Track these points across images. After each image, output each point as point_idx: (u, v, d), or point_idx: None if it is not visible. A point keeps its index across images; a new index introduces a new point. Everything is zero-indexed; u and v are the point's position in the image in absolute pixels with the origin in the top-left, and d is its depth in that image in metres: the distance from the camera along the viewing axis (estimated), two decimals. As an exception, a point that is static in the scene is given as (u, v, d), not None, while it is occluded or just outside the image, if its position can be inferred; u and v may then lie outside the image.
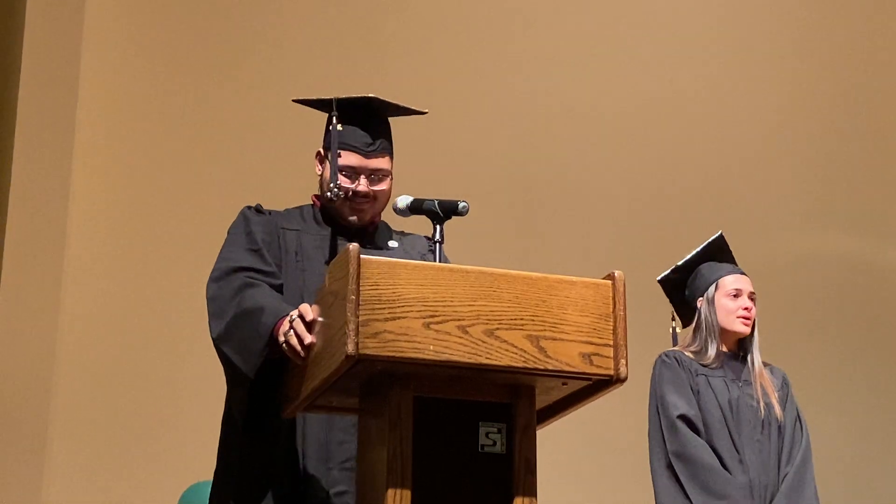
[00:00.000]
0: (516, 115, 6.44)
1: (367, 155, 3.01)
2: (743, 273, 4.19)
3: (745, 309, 4.10)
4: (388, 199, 3.07)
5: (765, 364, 4.14)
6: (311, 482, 2.83)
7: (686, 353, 4.09)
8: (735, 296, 4.11)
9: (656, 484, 3.96)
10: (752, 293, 4.14)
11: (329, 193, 2.94)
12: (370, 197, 3.02)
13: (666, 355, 4.08)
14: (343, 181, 2.99)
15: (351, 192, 3.00)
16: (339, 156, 2.97)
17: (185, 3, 6.13)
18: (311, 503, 2.82)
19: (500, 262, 2.59)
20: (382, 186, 3.04)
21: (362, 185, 3.01)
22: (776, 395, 4.05)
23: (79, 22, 5.72)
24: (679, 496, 3.88)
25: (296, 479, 2.83)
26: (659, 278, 4.29)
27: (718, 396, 3.98)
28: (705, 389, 3.99)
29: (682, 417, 3.93)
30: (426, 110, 3.14)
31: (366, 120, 3.03)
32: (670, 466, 3.91)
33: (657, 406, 4.01)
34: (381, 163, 3.03)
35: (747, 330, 4.10)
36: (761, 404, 4.00)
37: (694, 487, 3.86)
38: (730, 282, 4.14)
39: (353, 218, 3.03)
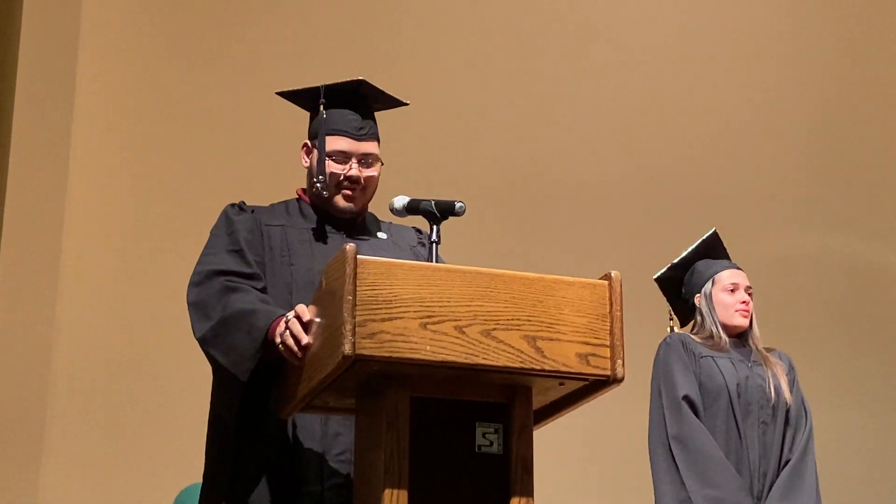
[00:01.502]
0: (512, 115, 6.44)
1: (358, 139, 3.01)
2: (738, 268, 4.22)
3: (743, 303, 4.14)
4: (376, 188, 3.06)
5: (770, 350, 4.16)
6: (306, 475, 2.82)
7: (694, 338, 4.10)
8: (732, 290, 4.15)
9: (654, 466, 3.96)
10: (749, 287, 4.18)
11: (317, 182, 2.94)
12: (361, 182, 3.01)
13: (670, 337, 4.10)
14: (333, 167, 2.98)
15: (342, 178, 2.99)
16: (326, 142, 2.97)
17: (183, 3, 6.13)
18: (307, 496, 2.81)
19: (497, 263, 2.60)
20: (373, 172, 3.03)
21: (353, 169, 3.00)
22: (786, 377, 4.07)
23: (75, 19, 5.71)
24: (675, 479, 3.88)
25: (291, 472, 2.82)
26: (656, 276, 4.31)
27: (726, 377, 3.99)
28: (712, 370, 4.00)
29: (687, 398, 3.93)
30: (408, 102, 3.14)
31: (355, 104, 3.04)
32: (669, 449, 3.91)
33: (660, 387, 4.01)
34: (371, 147, 3.03)
35: (745, 323, 4.14)
36: (771, 386, 4.01)
37: (689, 472, 3.86)
38: (726, 276, 4.17)
39: (345, 205, 3.02)
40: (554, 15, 6.62)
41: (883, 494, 6.27)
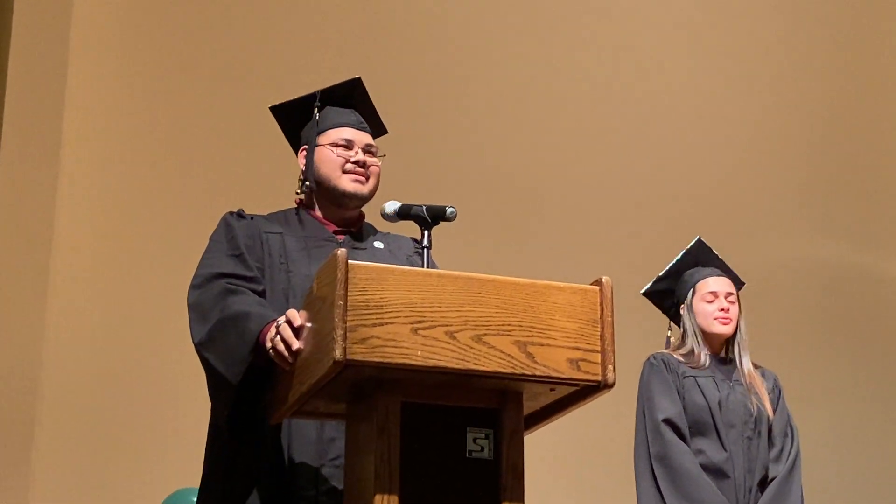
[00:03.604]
0: (505, 121, 6.45)
1: (360, 129, 3.08)
2: (721, 274, 4.20)
3: (722, 310, 4.12)
4: (379, 181, 3.09)
5: (756, 366, 4.17)
6: (301, 480, 2.82)
7: (675, 356, 4.11)
8: (711, 299, 4.14)
9: (638, 486, 4.00)
10: (730, 293, 4.16)
11: (303, 185, 3.01)
12: (367, 167, 3.05)
13: (654, 357, 4.11)
14: (340, 152, 3.04)
15: (348, 161, 3.03)
16: (327, 134, 3.04)
17: (173, 9, 6.12)
18: (301, 501, 2.81)
19: (488, 268, 2.59)
20: (378, 162, 3.09)
21: (360, 155, 3.05)
22: (767, 396, 4.07)
23: (66, 26, 5.71)
24: (658, 499, 3.90)
25: (285, 477, 2.83)
26: (643, 291, 4.31)
27: (708, 396, 4.00)
28: (693, 390, 4.01)
29: (667, 421, 3.96)
30: (387, 131, 3.21)
31: (353, 102, 3.13)
32: (652, 469, 3.93)
33: (644, 408, 4.03)
34: (371, 140, 3.10)
35: (726, 330, 4.12)
36: (753, 403, 4.02)
37: (671, 492, 3.89)
38: (706, 285, 4.18)
39: (354, 188, 3.03)
40: (546, 22, 6.62)
41: (873, 499, 6.28)
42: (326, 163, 3.04)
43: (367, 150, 3.07)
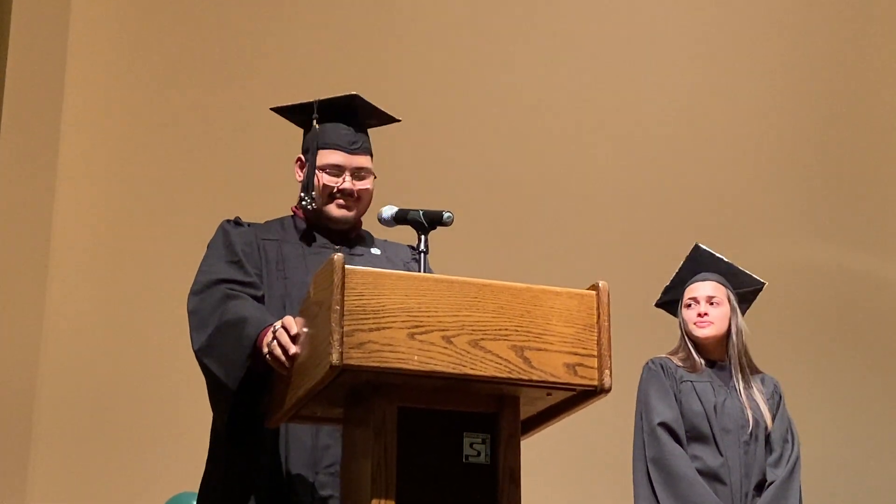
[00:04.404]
0: (502, 125, 6.45)
1: (351, 153, 3.05)
2: (707, 278, 4.20)
3: (700, 315, 4.13)
4: (370, 200, 3.09)
5: (757, 372, 4.17)
6: (296, 487, 2.83)
7: (674, 360, 4.12)
8: (689, 305, 4.16)
9: (636, 489, 4.01)
10: (712, 296, 4.16)
11: (303, 201, 2.99)
12: (354, 195, 3.04)
13: (652, 362, 4.12)
14: (327, 179, 3.02)
15: (335, 189, 3.02)
16: (319, 155, 3.02)
17: (173, 10, 6.12)
18: (296, 508, 2.82)
19: (485, 273, 2.60)
20: (366, 185, 3.07)
21: (347, 182, 3.03)
22: (766, 402, 4.07)
23: (64, 28, 5.71)
24: (653, 501, 3.91)
25: (281, 484, 2.83)
26: (656, 303, 4.32)
27: (704, 401, 4.01)
28: (690, 395, 4.03)
29: (663, 425, 3.97)
30: (400, 118, 3.18)
31: (348, 118, 3.09)
32: (649, 473, 3.94)
33: (641, 412, 4.05)
34: (364, 161, 3.08)
35: (705, 333, 4.13)
36: (748, 409, 4.02)
37: (667, 495, 3.91)
38: (689, 291, 4.21)
39: (340, 213, 3.04)
40: (542, 27, 6.63)
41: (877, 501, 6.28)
42: (315, 187, 3.03)
43: (357, 174, 3.05)
